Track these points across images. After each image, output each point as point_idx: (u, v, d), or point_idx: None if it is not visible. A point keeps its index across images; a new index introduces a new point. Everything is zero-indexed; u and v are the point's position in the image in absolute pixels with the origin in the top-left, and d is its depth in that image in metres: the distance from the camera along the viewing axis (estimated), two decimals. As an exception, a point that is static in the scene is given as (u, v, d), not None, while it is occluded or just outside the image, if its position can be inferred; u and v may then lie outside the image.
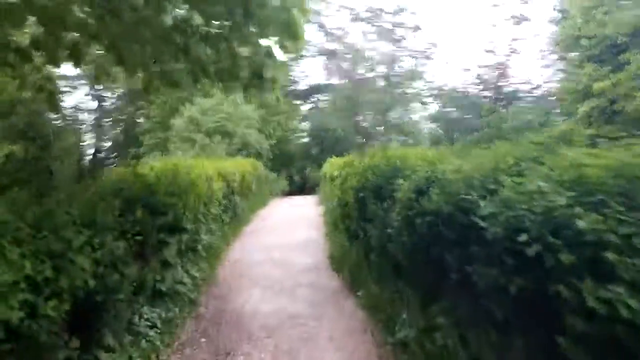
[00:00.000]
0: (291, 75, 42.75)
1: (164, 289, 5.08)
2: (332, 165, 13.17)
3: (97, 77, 6.26)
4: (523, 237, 2.35)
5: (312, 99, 44.44)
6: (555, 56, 36.01)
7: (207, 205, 7.85)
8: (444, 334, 3.72)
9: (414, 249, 4.06)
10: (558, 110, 34.77)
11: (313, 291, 6.46)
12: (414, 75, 41.69)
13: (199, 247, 7.19)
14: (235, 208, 11.82)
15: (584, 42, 24.88)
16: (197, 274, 6.39)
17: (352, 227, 6.84)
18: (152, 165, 6.25)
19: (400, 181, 4.65)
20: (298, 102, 42.33)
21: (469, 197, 3.08)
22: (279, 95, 5.58)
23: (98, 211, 3.24)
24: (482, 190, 3.07)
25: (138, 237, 3.94)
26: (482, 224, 2.77)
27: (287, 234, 10.84)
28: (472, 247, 2.98)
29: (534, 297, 2.47)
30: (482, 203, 2.92)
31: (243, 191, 13.71)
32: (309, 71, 45.57)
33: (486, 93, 41.95)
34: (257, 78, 5.16)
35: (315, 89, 43.63)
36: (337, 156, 18.84)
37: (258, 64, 5.00)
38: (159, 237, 4.88)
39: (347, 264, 6.89)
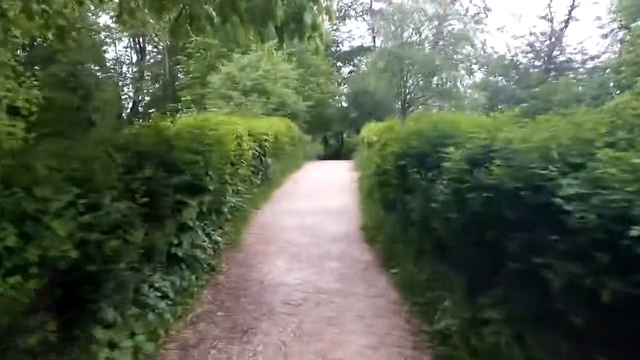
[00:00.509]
0: (334, 36, 41.65)
1: (180, 254, 4.66)
2: (371, 130, 12.48)
3: (119, 19, 5.69)
4: (634, 232, 1.72)
5: (354, 62, 43.26)
6: (615, 25, 33.64)
7: (235, 166, 7.38)
8: (495, 330, 3.15)
9: (464, 228, 3.46)
10: (612, 84, 32.70)
11: (343, 264, 5.95)
12: (462, 39, 39.84)
13: (225, 209, 6.76)
14: (267, 170, 11.36)
15: (651, 9, 22.89)
16: (220, 238, 5.96)
17: (390, 196, 6.24)
18: (175, 119, 5.78)
19: (451, 149, 4.00)
20: (339, 64, 41.32)
21: (545, 172, 2.43)
22: (319, 45, 4.94)
23: (95, 167, 2.76)
24: (563, 164, 2.42)
25: (147, 198, 3.46)
26: (566, 206, 2.13)
27: (320, 200, 10.33)
28: (545, 234, 2.36)
29: (635, 307, 1.86)
30: (563, 181, 2.29)
31: (276, 152, 13.23)
32: (352, 32, 44.11)
33: (537, 62, 39.85)
34: (295, 22, 4.53)
35: (358, 51, 42.35)
36: (376, 121, 18.09)
37: (297, 3, 4.36)
38: (176, 198, 4.42)
39: (382, 237, 6.34)
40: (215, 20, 4.37)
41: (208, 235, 5.73)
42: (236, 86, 20.66)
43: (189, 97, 26.59)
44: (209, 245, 5.51)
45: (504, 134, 3.40)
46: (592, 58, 36.37)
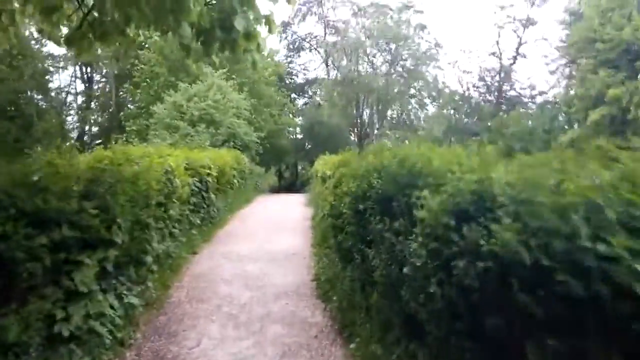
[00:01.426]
0: (289, 68, 41.19)
1: (68, 331, 3.45)
2: (325, 163, 11.54)
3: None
4: None
5: (309, 93, 42.84)
6: (563, 61, 34.64)
7: (163, 206, 6.22)
8: None
9: (450, 309, 2.47)
10: (561, 118, 33.38)
11: (290, 329, 4.84)
12: (414, 74, 40.07)
13: (148, 259, 5.56)
14: (210, 207, 10.18)
15: (599, 45, 23.40)
16: (136, 300, 4.75)
17: (346, 245, 5.23)
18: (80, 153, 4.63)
19: (424, 193, 3.05)
20: (294, 95, 40.75)
21: (607, 249, 1.47)
22: (256, 60, 3.98)
23: None
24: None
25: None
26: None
27: (268, 241, 9.21)
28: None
29: None
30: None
31: (222, 187, 12.08)
32: (307, 64, 43.83)
33: (489, 97, 40.58)
34: (223, 30, 3.53)
35: (313, 83, 41.99)
36: (331, 153, 17.25)
37: (226, 6, 3.38)
38: (59, 257, 3.26)
39: (338, 293, 5.28)
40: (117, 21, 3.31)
41: (119, 297, 4.52)
42: (183, 116, 19.45)
43: (134, 128, 25.11)
44: (118, 313, 4.31)
45: (499, 175, 2.47)
46: (540, 93, 37.33)
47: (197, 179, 8.94)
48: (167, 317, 5.10)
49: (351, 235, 4.97)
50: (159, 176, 5.84)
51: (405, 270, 2.99)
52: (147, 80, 25.99)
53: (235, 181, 14.75)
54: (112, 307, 4.27)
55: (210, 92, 20.30)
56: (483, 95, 40.16)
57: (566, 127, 28.43)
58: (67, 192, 3.31)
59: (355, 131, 36.49)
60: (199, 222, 9.06)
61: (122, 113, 30.40)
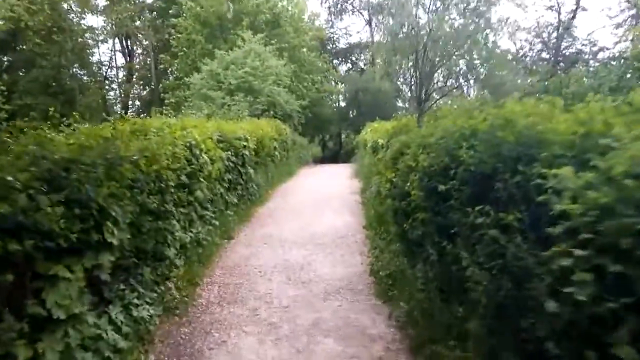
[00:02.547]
0: (330, 32, 39.41)
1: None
2: (376, 131, 10.24)
3: None
4: None
5: (352, 59, 41.02)
6: (631, 12, 31.46)
7: (187, 188, 5.18)
8: None
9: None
10: (629, 75, 30.45)
11: (345, 345, 3.74)
12: (463, 34, 37.41)
13: (170, 253, 4.56)
14: (248, 184, 9.14)
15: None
16: (148, 311, 3.74)
17: (414, 235, 4.03)
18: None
19: (565, 171, 1.85)
20: (336, 61, 39.06)
21: None
22: None
23: None
24: None
25: None
26: None
27: (313, 220, 8.11)
28: None
29: None
30: None
31: (261, 161, 11.03)
32: (349, 28, 41.87)
33: (545, 55, 37.71)
34: None
35: (356, 48, 40.10)
36: (380, 120, 15.88)
37: None
38: (19, 272, 2.23)
39: (405, 297, 4.13)
40: None
41: (126, 309, 3.52)
42: (220, 86, 18.43)
43: (172, 100, 24.42)
44: (124, 331, 3.30)
45: None
46: (603, 49, 34.21)
47: (231, 153, 7.87)
48: (192, 328, 4.08)
49: (423, 223, 3.76)
50: (178, 152, 4.75)
51: (549, 307, 1.77)
52: (184, 49, 25.08)
53: (277, 153, 13.68)
54: (114, 323, 3.27)
55: (248, 59, 19.14)
56: (539, 53, 37.32)
57: (637, 84, 25.81)
58: (5, 184, 2.24)
59: (410, 94, 34.50)
60: (235, 200, 8.04)
61: (160, 85, 29.84)
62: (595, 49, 35.87)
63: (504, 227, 2.41)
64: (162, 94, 28.50)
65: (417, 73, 11.04)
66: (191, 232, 5.51)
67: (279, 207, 9.57)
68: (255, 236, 7.18)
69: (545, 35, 37.21)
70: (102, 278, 3.03)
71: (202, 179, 5.67)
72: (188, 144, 5.27)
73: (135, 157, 3.39)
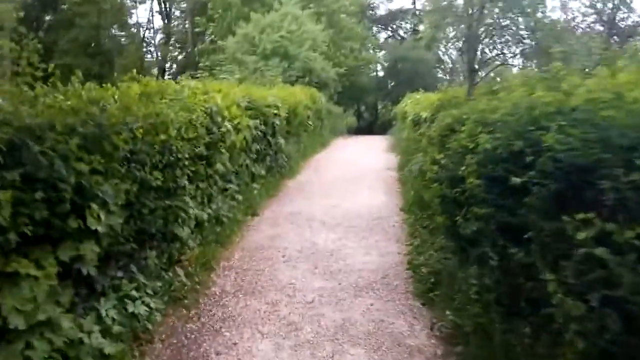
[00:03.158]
0: (369, -1, 37.82)
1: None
2: (417, 102, 9.42)
3: None
4: None
5: (392, 27, 39.42)
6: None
7: (205, 160, 4.58)
8: None
9: None
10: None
11: (379, 357, 3.13)
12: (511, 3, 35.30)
13: (183, 233, 4.01)
14: (278, 154, 8.54)
15: None
16: (147, 306, 3.19)
17: (468, 231, 3.33)
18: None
19: None
20: (375, 29, 37.58)
21: None
22: None
23: None
24: None
25: None
26: None
27: (345, 198, 7.46)
28: None
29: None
30: None
31: (293, 130, 10.39)
32: (390, -6, 39.98)
33: (599, 27, 35.36)
34: None
35: (397, 15, 38.45)
36: (422, 91, 14.89)
37: None
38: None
39: (453, 304, 3.46)
40: None
41: (121, 302, 2.98)
42: (254, 50, 17.74)
43: (207, 64, 23.84)
44: (116, 329, 2.77)
45: None
46: (664, 20, 31.76)
47: (260, 121, 7.24)
48: (200, 324, 3.53)
49: (481, 218, 3.06)
50: (195, 119, 4.14)
51: None
52: (220, 11, 24.35)
53: (310, 123, 13.01)
54: (103, 322, 2.73)
55: (284, 23, 18.33)
56: (591, 26, 35.03)
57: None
58: None
59: (455, 65, 32.80)
60: (263, 172, 7.46)
61: (196, 48, 29.32)
62: (656, 20, 33.40)
63: (616, 245, 1.71)
64: (196, 58, 27.96)
65: (470, 38, 10.02)
66: (210, 208, 4.95)
67: (310, 180, 8.96)
68: (282, 213, 6.60)
69: (599, 5, 34.83)
70: (85, 272, 2.47)
71: (223, 150, 5.06)
72: (209, 110, 4.65)
73: (132, 126, 2.79)
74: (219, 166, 4.97)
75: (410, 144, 9.67)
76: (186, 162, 3.96)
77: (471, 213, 3.23)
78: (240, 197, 5.98)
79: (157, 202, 3.38)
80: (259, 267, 4.64)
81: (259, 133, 7.21)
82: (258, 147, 7.22)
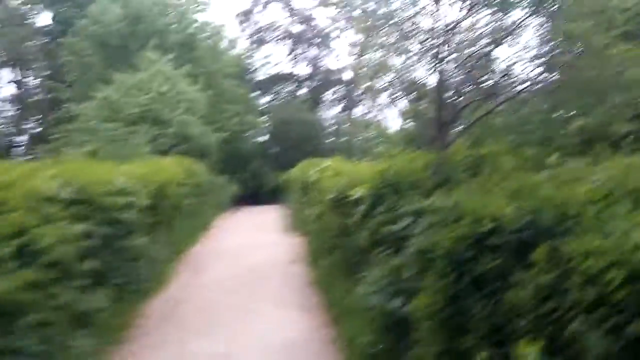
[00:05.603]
0: (248, 63, 36.32)
1: None
2: (335, 173, 7.04)
3: None
4: None
5: (274, 90, 38.12)
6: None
7: None
8: None
9: None
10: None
11: None
12: (384, 66, 35.84)
13: None
14: (133, 264, 5.68)
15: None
16: None
17: None
18: None
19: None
20: (256, 93, 35.97)
21: None
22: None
23: None
24: None
25: None
26: None
27: (240, 331, 4.81)
28: None
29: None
30: None
31: (162, 218, 7.59)
32: (270, 58, 38.93)
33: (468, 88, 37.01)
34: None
35: (278, 79, 37.27)
36: (317, 157, 12.78)
37: None
38: None
39: None
40: None
41: None
42: (117, 115, 14.73)
43: (57, 136, 19.96)
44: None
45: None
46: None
47: (94, 222, 4.44)
48: None
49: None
50: None
51: None
52: (75, 75, 21.00)
53: (187, 201, 10.25)
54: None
55: (154, 83, 15.63)
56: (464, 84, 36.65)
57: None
58: None
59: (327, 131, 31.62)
60: (101, 305, 4.55)
61: (47, 119, 25.19)
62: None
63: None
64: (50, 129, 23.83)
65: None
66: None
67: (184, 297, 6.10)
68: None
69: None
70: None
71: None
72: None
73: None
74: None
75: (320, 223, 7.31)
76: None
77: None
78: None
79: None
80: None
81: (93, 242, 4.38)
82: (92, 264, 4.36)
